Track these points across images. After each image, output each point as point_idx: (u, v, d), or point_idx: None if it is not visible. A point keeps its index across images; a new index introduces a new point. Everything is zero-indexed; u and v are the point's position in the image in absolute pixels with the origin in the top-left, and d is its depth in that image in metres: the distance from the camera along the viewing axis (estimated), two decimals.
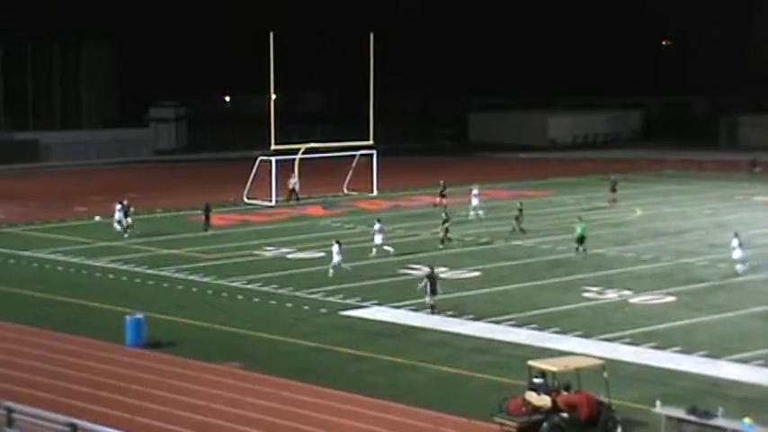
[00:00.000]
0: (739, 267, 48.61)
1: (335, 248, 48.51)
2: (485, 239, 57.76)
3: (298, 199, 73.32)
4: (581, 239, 52.76)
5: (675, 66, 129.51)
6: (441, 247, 54.88)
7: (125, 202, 60.04)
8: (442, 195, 68.37)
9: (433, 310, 41.37)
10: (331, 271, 47.86)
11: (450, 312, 41.16)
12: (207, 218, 60.81)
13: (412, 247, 55.55)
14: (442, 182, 69.80)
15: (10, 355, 36.27)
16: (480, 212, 64.47)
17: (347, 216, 66.83)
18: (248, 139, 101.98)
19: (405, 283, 45.31)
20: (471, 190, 65.70)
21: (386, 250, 52.63)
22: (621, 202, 70.39)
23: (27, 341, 38.27)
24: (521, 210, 59.08)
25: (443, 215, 56.94)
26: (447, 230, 55.80)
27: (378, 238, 53.02)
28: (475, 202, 64.68)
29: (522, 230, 58.16)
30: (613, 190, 71.00)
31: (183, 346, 37.40)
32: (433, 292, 41.42)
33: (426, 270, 42.80)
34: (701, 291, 45.52)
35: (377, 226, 53.39)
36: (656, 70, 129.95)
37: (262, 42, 73.52)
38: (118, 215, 59.67)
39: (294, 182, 74.25)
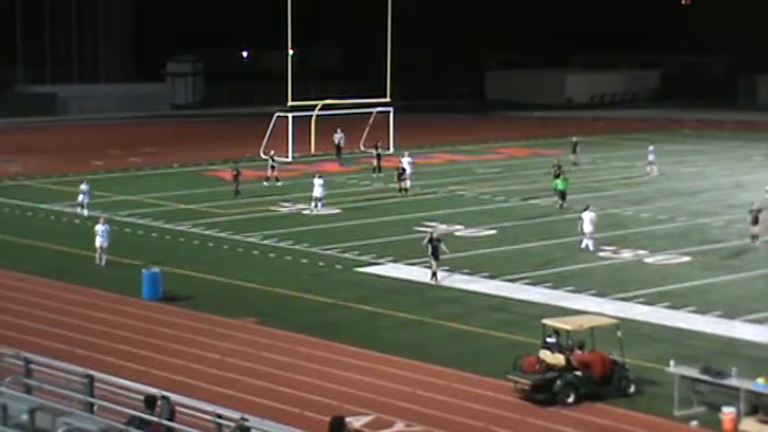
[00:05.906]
0: (585, 243, 44.94)
1: (101, 228, 42.66)
2: (500, 198, 57.76)
3: (339, 155, 73.23)
4: (563, 195, 54.49)
5: (694, 25, 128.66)
6: (400, 195, 57.79)
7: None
8: (378, 157, 66.96)
9: (435, 276, 39.78)
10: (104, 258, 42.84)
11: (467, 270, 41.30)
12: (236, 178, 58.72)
13: (428, 205, 55.59)
14: (378, 143, 69.04)
15: (27, 306, 36.52)
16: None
17: (363, 173, 66.81)
18: (265, 94, 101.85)
19: (420, 241, 45.24)
20: (402, 156, 63.11)
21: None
22: (638, 162, 70.11)
23: (44, 293, 38.53)
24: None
25: (398, 169, 59.59)
26: (403, 180, 58.82)
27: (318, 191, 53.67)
28: (408, 169, 61.38)
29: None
30: (574, 152, 69.54)
31: (199, 300, 37.61)
32: (435, 257, 39.84)
33: (429, 233, 41.23)
34: (716, 251, 45.50)
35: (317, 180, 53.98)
36: (675, 30, 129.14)
37: None
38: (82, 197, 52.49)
39: (339, 137, 74.05)
